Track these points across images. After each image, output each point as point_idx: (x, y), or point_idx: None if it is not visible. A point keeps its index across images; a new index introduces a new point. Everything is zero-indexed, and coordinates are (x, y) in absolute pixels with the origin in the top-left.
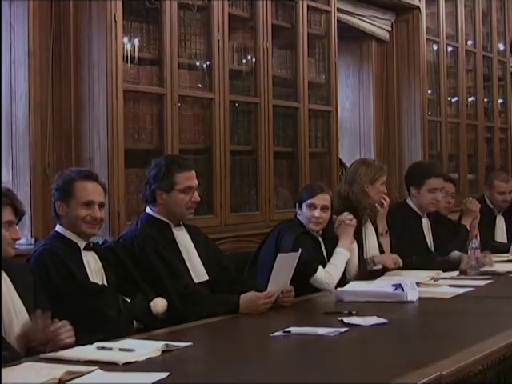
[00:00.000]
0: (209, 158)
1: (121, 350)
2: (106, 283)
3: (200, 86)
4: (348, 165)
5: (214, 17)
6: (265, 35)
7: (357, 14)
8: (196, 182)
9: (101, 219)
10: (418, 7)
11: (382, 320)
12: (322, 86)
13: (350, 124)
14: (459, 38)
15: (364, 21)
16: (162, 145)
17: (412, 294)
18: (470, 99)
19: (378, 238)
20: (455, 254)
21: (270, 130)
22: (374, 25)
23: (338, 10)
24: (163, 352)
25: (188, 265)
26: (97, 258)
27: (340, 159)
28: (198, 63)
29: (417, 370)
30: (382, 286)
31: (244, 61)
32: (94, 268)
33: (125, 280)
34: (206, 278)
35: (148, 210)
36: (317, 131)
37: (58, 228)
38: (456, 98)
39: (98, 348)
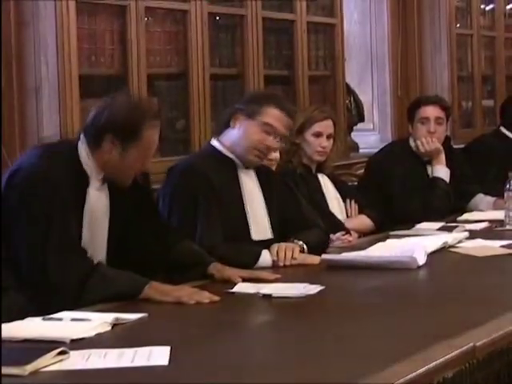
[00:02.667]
0: (184, 84)
1: (72, 320)
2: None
3: None
4: (357, 91)
5: None
6: None
7: None
8: (284, 131)
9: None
10: None
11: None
12: None
13: (359, 40)
14: None
15: None
16: (126, 69)
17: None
18: (509, 6)
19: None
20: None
21: (259, 48)
22: None
23: None
24: (114, 326)
25: (249, 217)
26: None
27: (347, 84)
28: None
29: (445, 340)
30: (384, 251)
31: None
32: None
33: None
34: (270, 236)
35: (214, 142)
36: (318, 50)
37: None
38: (491, 6)
39: (44, 319)
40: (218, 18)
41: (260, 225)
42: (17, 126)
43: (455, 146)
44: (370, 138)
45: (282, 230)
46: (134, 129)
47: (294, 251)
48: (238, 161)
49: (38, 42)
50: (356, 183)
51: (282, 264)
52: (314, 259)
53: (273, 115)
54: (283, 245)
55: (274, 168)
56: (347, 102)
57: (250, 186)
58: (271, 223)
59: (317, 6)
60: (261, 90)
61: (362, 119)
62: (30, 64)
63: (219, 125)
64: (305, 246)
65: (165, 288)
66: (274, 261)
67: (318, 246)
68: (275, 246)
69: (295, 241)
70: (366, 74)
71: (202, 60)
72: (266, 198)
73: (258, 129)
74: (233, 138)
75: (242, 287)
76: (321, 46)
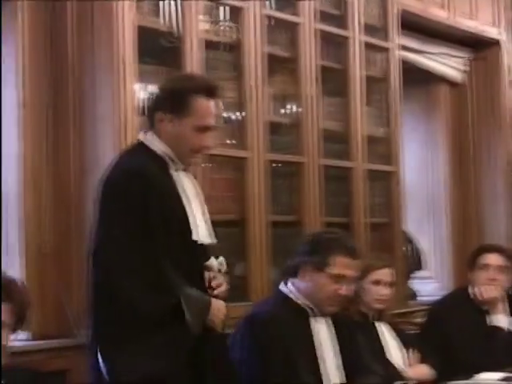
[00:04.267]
0: (243, 231)
1: None
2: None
3: (231, 142)
4: (415, 238)
5: (247, 58)
6: (310, 79)
7: (424, 52)
8: (354, 274)
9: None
10: (498, 41)
11: None
12: (381, 141)
13: (416, 187)
14: None
15: (433, 60)
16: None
17: None
18: None
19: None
20: None
21: (318, 196)
22: (446, 64)
23: (401, 47)
24: None
25: (321, 365)
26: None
27: (405, 231)
28: (228, 115)
29: None
30: None
31: (285, 111)
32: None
33: None
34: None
35: (283, 287)
36: (376, 197)
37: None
38: None
39: None
40: (279, 164)
41: (331, 372)
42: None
43: None
44: (429, 286)
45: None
46: (181, 99)
47: None
48: (309, 309)
49: None
50: (416, 332)
51: None
52: None
53: (341, 264)
54: None
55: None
56: (405, 249)
57: (322, 334)
58: (345, 369)
59: (375, 154)
60: (321, 232)
61: (420, 267)
62: (90, 211)
63: (285, 272)
64: None
65: None
66: None
67: None
68: None
69: None
70: (424, 221)
71: (260, 207)
72: (340, 345)
73: (328, 280)
74: (305, 290)
75: None
76: (379, 194)
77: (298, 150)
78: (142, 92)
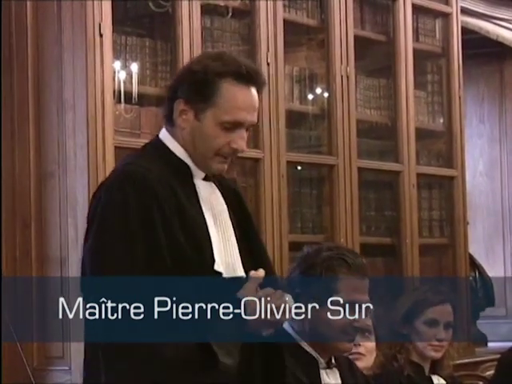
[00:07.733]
0: None
1: None
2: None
3: None
4: (484, 265)
5: (260, 27)
6: (344, 55)
7: (493, 18)
8: (366, 297)
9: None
10: None
11: None
12: (438, 136)
13: (486, 198)
14: None
15: (506, 27)
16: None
17: None
18: None
19: None
20: None
21: (354, 208)
22: None
23: (464, 11)
24: None
25: None
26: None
27: (471, 255)
28: None
29: None
30: None
31: (310, 97)
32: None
33: None
34: None
35: None
36: (431, 210)
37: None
38: None
39: None
40: (299, 167)
41: None
42: (35, 311)
43: None
44: (501, 328)
45: None
46: (204, 83)
47: None
48: (320, 357)
49: (64, 197)
50: None
51: None
52: None
53: (349, 288)
54: None
55: (360, 364)
56: (471, 279)
57: None
58: None
59: (430, 154)
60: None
61: (491, 302)
62: (53, 228)
63: None
64: None
65: None
66: None
67: None
68: None
69: None
70: (496, 242)
71: (278, 224)
72: None
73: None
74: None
75: None
76: (436, 206)
77: (328, 149)
78: (122, 72)
